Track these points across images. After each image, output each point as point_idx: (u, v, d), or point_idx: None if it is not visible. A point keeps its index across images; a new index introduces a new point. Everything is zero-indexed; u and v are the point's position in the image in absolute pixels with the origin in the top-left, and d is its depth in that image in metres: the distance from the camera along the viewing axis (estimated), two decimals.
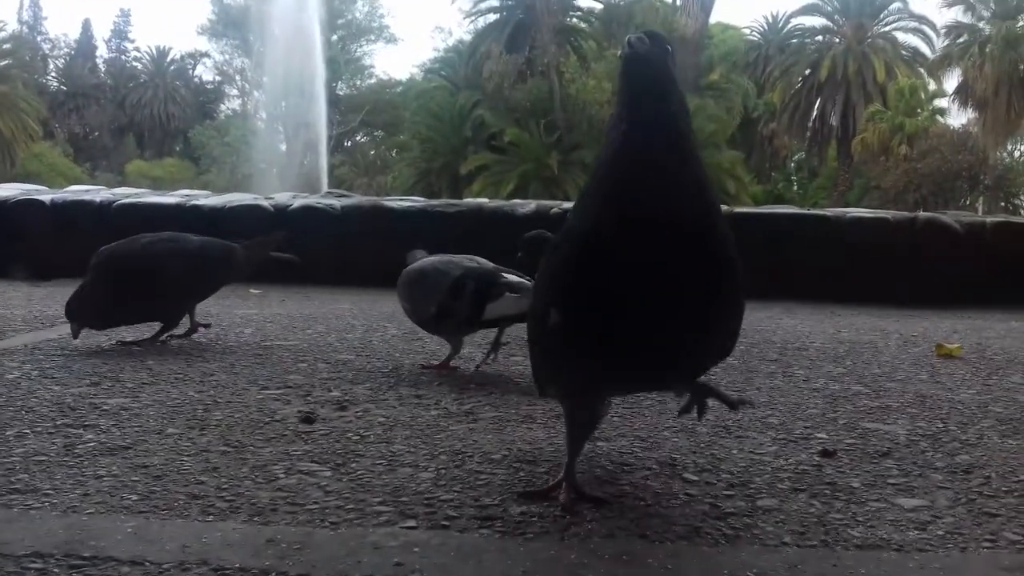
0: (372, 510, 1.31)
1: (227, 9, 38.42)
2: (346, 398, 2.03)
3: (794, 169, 35.47)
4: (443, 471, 1.50)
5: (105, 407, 1.89)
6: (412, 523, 1.26)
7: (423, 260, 2.40)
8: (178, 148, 40.23)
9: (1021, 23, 26.89)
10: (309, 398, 2.03)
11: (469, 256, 2.32)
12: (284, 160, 32.20)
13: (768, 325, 3.52)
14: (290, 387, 2.14)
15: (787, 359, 2.73)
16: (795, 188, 33.77)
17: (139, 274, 2.60)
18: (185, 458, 1.55)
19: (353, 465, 1.52)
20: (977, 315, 4.18)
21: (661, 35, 1.29)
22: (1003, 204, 26.08)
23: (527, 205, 5.33)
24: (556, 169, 26.93)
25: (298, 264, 3.01)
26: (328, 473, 1.48)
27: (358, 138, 39.75)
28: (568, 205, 5.33)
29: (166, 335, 2.75)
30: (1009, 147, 28.87)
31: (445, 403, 2.01)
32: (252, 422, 1.80)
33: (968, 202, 26.04)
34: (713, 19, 31.68)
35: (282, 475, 1.46)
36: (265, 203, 5.33)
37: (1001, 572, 1.17)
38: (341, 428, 1.76)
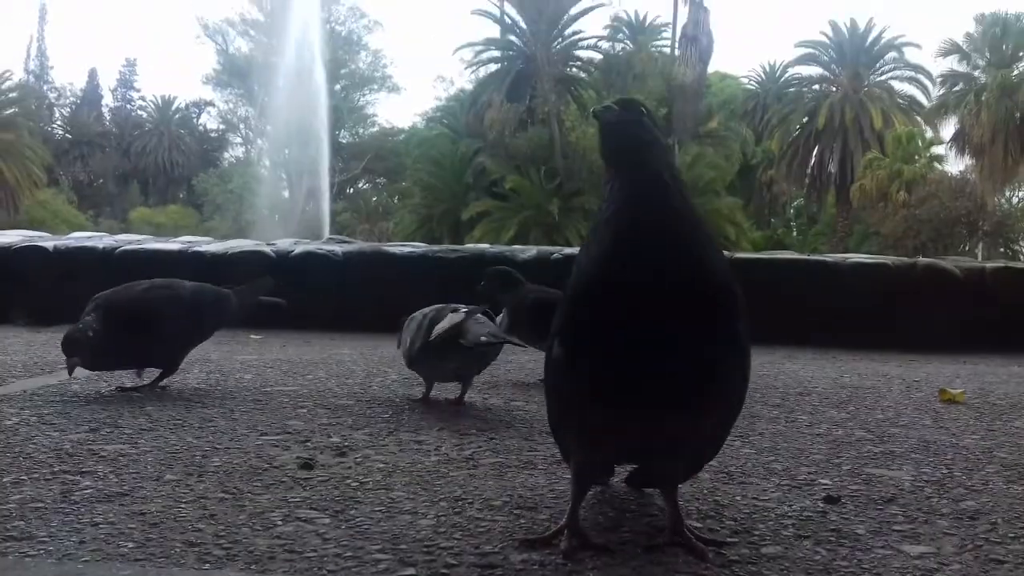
0: (371, 558, 1.30)
1: (232, 59, 38.98)
2: (345, 444, 2.01)
3: (793, 215, 35.69)
4: (443, 518, 1.48)
5: (103, 453, 1.88)
6: (411, 571, 1.25)
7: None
8: (182, 195, 40.54)
9: (1016, 72, 27.27)
10: (308, 444, 2.01)
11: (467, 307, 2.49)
12: (287, 207, 32.46)
13: (770, 370, 3.51)
14: (289, 433, 2.13)
15: (790, 404, 2.71)
16: (794, 234, 33.95)
17: (135, 320, 2.60)
18: (182, 505, 1.53)
19: (352, 512, 1.51)
20: (978, 360, 4.17)
21: (634, 100, 1.39)
22: (1002, 250, 26.19)
23: (528, 250, 5.35)
24: (556, 215, 27.15)
25: (286, 308, 3.07)
26: (327, 520, 1.46)
27: (360, 185, 40.08)
28: (569, 250, 5.36)
29: (165, 381, 2.74)
30: (1007, 193, 29.06)
31: (445, 449, 1.99)
32: (251, 468, 1.78)
33: (967, 248, 26.14)
34: (711, 68, 32.20)
35: (280, 522, 1.45)
36: (267, 249, 5.35)
37: None
38: (340, 474, 1.75)
